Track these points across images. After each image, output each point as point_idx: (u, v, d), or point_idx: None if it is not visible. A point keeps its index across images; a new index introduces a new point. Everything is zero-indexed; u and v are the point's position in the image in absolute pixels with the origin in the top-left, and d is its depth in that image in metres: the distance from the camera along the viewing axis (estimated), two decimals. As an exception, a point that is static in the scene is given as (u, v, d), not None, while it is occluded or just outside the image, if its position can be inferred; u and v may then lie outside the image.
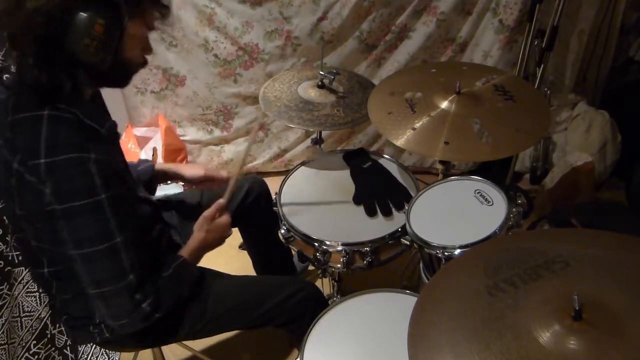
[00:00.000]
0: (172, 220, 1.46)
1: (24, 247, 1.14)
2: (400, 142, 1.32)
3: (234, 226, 1.70)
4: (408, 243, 1.35)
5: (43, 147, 0.94)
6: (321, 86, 1.71)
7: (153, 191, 1.47)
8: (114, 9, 0.93)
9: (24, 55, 0.94)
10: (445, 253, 1.20)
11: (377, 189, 1.53)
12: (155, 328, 1.24)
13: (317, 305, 1.35)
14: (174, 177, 1.47)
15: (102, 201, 0.97)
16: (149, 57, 1.10)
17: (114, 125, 1.08)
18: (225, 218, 1.29)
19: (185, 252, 1.22)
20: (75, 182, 0.95)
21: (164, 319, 1.24)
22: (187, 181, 1.47)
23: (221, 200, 1.29)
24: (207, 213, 1.26)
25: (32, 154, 0.94)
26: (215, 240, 1.28)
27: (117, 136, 1.16)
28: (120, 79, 1.08)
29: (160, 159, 2.30)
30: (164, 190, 1.57)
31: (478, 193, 1.32)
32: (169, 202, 1.51)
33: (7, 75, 1.26)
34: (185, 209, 1.50)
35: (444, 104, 1.38)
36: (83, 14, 0.90)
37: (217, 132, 2.48)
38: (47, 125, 0.95)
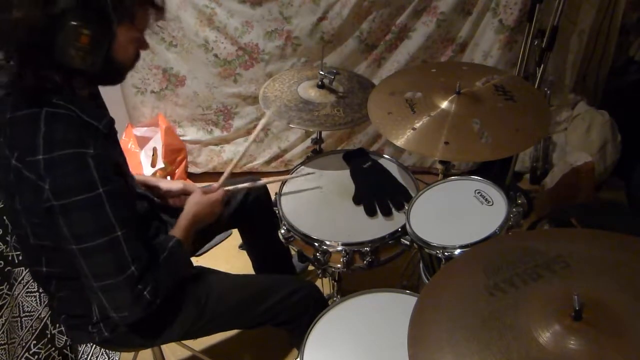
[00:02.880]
0: (169, 220, 1.45)
1: (23, 244, 1.15)
2: (400, 142, 1.32)
3: (234, 227, 1.70)
4: (408, 243, 1.35)
5: (41, 143, 0.94)
6: (321, 86, 1.71)
7: None
8: (101, 17, 0.92)
9: (10, 60, 0.95)
10: (445, 253, 1.20)
11: (377, 189, 1.53)
12: (155, 327, 1.25)
13: (317, 305, 1.35)
14: (152, 187, 1.45)
15: (101, 195, 0.97)
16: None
17: (111, 121, 1.08)
18: (217, 194, 1.37)
19: (177, 231, 1.24)
20: (73, 178, 0.95)
21: (164, 318, 1.24)
22: (163, 194, 1.45)
23: (214, 184, 1.41)
24: (201, 188, 1.34)
25: (30, 150, 0.95)
26: (206, 215, 1.32)
27: (115, 133, 1.15)
28: (115, 78, 1.09)
29: (160, 159, 2.30)
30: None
31: (478, 193, 1.32)
32: (166, 203, 1.50)
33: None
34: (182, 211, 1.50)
35: (444, 104, 1.38)
36: (68, 25, 0.89)
37: (217, 132, 2.48)
38: (45, 122, 0.96)
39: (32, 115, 0.96)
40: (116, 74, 1.07)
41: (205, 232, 1.54)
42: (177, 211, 1.48)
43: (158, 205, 1.41)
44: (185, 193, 1.45)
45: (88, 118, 1.00)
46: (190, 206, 1.31)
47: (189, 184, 1.48)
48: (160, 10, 1.04)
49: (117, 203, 1.00)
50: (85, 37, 0.90)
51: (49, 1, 0.87)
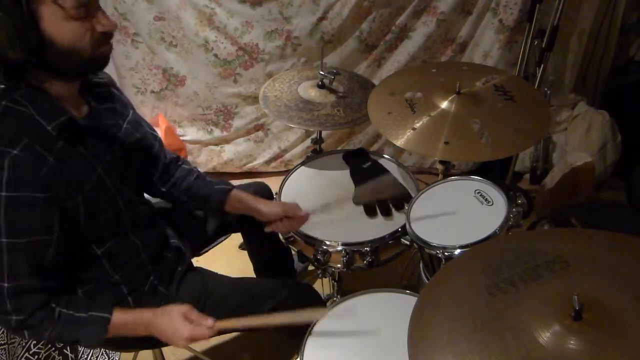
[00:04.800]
0: (175, 223, 1.45)
1: None
2: (400, 142, 1.32)
3: (236, 231, 1.69)
4: (408, 243, 1.35)
5: None
6: (321, 86, 1.71)
7: (221, 213, 1.40)
8: (5, 3, 0.86)
9: None
10: (445, 253, 1.20)
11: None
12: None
13: (316, 307, 1.34)
14: (250, 209, 1.36)
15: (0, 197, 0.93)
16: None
17: (71, 122, 1.00)
18: (200, 333, 1.11)
19: (119, 314, 1.10)
20: None
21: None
22: (264, 217, 1.36)
23: (210, 322, 1.13)
24: (187, 311, 1.13)
25: None
26: (161, 333, 1.11)
27: (84, 134, 1.05)
28: (85, 66, 0.99)
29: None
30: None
31: (478, 193, 1.32)
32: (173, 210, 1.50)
33: None
34: (189, 215, 1.50)
35: (444, 104, 1.38)
36: None
37: (217, 132, 2.48)
38: None
39: None
40: (82, 60, 0.96)
41: (207, 234, 1.54)
42: (176, 215, 1.47)
43: (157, 211, 1.40)
44: (285, 216, 1.35)
45: (39, 117, 0.96)
46: (155, 312, 1.12)
47: (289, 207, 1.35)
48: None
49: (15, 211, 0.94)
50: None
51: None
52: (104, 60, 1.01)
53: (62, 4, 0.90)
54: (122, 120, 1.18)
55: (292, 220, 1.36)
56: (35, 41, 0.90)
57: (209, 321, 1.13)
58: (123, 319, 1.10)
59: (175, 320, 1.11)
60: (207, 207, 1.38)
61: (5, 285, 0.98)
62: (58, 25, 0.91)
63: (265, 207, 1.35)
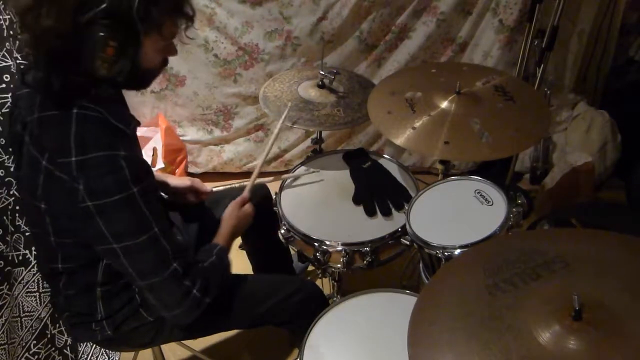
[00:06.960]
0: (174, 220, 1.45)
1: (40, 241, 1.15)
2: (400, 141, 1.32)
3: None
4: (408, 243, 1.35)
5: (73, 145, 0.95)
6: (321, 86, 1.71)
7: None
8: (128, 29, 0.92)
9: (37, 65, 0.98)
10: (445, 253, 1.20)
11: (377, 189, 1.53)
12: (156, 327, 1.25)
13: (317, 305, 1.34)
14: (160, 183, 1.46)
15: (134, 194, 0.98)
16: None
17: (137, 124, 1.10)
18: (249, 207, 1.42)
19: (219, 239, 1.30)
20: (107, 179, 0.96)
21: (164, 318, 1.23)
22: (171, 190, 1.46)
23: (245, 194, 1.44)
24: (236, 200, 1.40)
25: (62, 151, 0.95)
26: (242, 227, 1.39)
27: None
28: (141, 84, 1.10)
29: (160, 159, 2.30)
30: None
31: (478, 193, 1.32)
32: (173, 202, 1.50)
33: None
34: (188, 210, 1.50)
35: (444, 104, 1.38)
36: (95, 36, 0.90)
37: (217, 132, 2.48)
38: (75, 123, 0.97)
39: (61, 116, 0.97)
40: (142, 81, 1.08)
41: (206, 233, 1.54)
42: (183, 211, 1.48)
43: (166, 203, 1.41)
44: (192, 190, 1.47)
45: (115, 121, 1.01)
46: (230, 219, 1.36)
47: (196, 181, 1.49)
48: (190, 19, 1.04)
49: (149, 201, 1.01)
50: (111, 49, 0.91)
51: (77, 11, 0.88)
52: (153, 80, 1.11)
53: (167, 36, 1.01)
54: None
55: (197, 193, 1.49)
56: (134, 66, 0.97)
57: (244, 195, 1.44)
58: (222, 240, 1.30)
59: (241, 214, 1.39)
60: None
61: (174, 265, 1.06)
62: (151, 53, 1.00)
63: (174, 180, 1.48)
